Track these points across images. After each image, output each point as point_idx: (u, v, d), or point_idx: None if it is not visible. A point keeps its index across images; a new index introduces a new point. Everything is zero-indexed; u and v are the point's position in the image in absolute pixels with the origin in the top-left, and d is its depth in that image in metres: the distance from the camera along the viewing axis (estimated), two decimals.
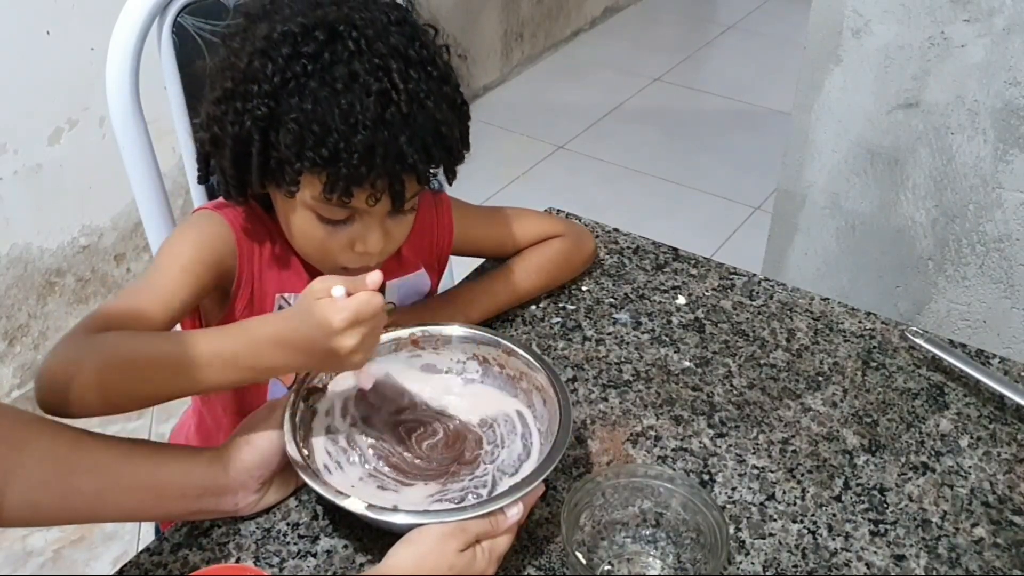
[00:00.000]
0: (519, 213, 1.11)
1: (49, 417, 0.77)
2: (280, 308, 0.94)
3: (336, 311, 0.72)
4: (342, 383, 0.88)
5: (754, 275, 1.16)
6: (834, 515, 0.85)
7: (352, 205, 0.83)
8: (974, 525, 0.84)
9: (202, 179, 0.93)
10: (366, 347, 0.75)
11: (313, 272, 0.94)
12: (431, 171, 0.85)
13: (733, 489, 0.87)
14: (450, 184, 0.92)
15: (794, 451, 0.91)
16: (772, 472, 0.89)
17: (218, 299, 0.93)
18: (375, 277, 0.75)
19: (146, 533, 1.74)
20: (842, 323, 1.08)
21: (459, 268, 1.19)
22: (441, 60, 0.86)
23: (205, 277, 0.87)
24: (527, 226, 1.09)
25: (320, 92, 0.79)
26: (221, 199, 0.94)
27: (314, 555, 0.80)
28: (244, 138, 0.82)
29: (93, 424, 0.77)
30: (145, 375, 0.77)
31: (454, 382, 0.92)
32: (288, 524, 0.83)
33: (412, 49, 0.82)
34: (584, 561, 0.76)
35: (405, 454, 0.85)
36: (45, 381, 0.77)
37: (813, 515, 0.85)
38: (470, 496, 0.81)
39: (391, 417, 0.88)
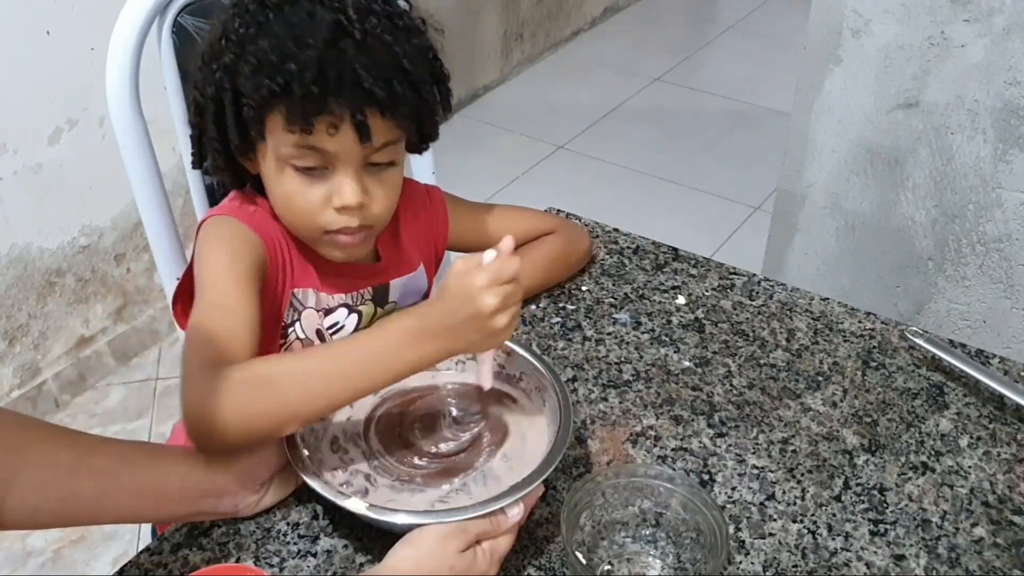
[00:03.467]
0: (514, 209, 1.11)
1: (46, 420, 0.77)
2: (291, 304, 0.94)
3: (476, 274, 0.73)
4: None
5: (754, 275, 1.16)
6: (834, 515, 0.85)
7: (318, 145, 0.83)
8: (974, 525, 0.84)
9: (195, 164, 0.93)
10: (509, 312, 0.75)
11: (322, 268, 0.95)
12: (402, 111, 0.84)
13: (733, 489, 0.87)
14: (432, 140, 0.92)
15: (794, 451, 0.91)
16: (772, 472, 0.89)
17: None
18: (508, 243, 0.76)
19: (146, 533, 1.74)
20: (842, 323, 1.08)
21: None
22: (409, 18, 0.87)
23: (257, 282, 0.87)
24: (522, 222, 1.10)
25: (279, 29, 0.82)
26: (229, 203, 0.94)
27: (314, 555, 0.80)
28: (217, 95, 0.84)
29: (93, 424, 0.77)
30: (289, 396, 0.76)
31: (454, 381, 0.92)
32: (288, 524, 0.83)
33: (375, 4, 0.84)
34: (584, 561, 0.76)
35: (407, 456, 0.85)
36: (197, 432, 0.76)
37: (813, 515, 0.85)
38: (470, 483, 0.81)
39: (394, 418, 0.88)
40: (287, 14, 0.82)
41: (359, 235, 0.90)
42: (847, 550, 0.82)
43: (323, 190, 0.86)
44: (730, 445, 0.92)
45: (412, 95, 0.84)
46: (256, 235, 0.90)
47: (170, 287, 1.15)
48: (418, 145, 0.93)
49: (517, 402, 0.90)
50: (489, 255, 0.75)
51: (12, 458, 0.71)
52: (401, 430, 0.87)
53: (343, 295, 0.96)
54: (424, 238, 1.03)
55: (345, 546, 0.81)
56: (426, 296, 1.06)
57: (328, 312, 0.96)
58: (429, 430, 0.87)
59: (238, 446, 0.78)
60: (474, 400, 0.89)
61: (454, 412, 0.88)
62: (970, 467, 0.90)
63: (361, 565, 0.79)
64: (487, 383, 0.82)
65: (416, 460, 0.84)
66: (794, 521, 0.84)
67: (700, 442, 0.92)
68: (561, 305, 1.10)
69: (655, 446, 0.92)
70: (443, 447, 0.85)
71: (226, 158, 0.89)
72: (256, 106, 0.82)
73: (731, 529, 0.83)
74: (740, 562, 0.80)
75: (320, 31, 0.80)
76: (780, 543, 0.82)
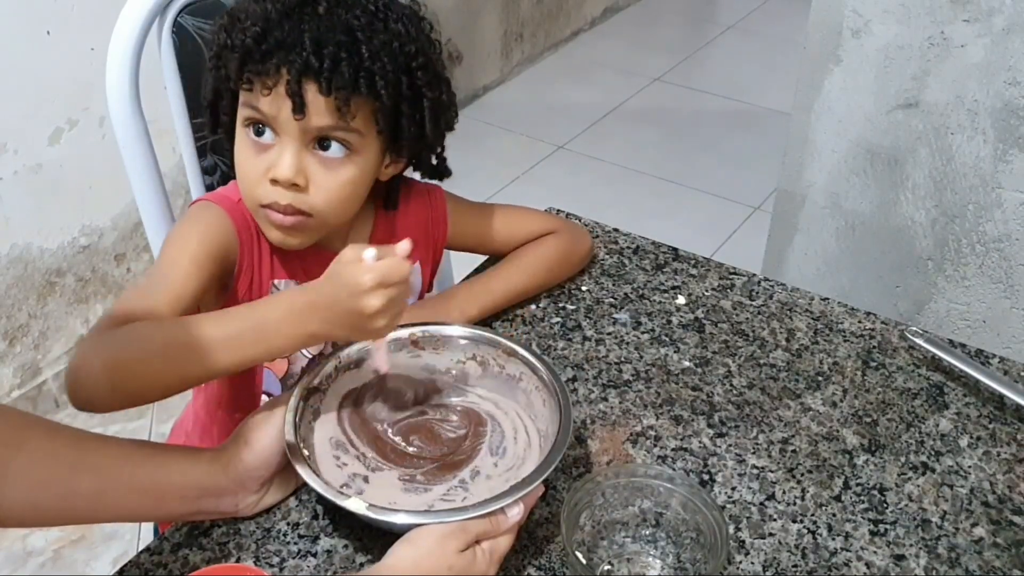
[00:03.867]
0: (515, 209, 1.11)
1: (48, 418, 0.77)
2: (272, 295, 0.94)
3: (364, 271, 0.74)
4: (344, 385, 0.88)
5: (754, 275, 1.16)
6: (834, 515, 0.85)
7: (254, 102, 0.85)
8: (974, 525, 0.84)
9: (212, 130, 0.96)
10: (391, 313, 0.76)
11: (306, 260, 0.96)
12: (345, 94, 0.83)
13: (733, 489, 0.87)
14: (419, 155, 0.93)
15: (794, 451, 0.91)
16: (772, 472, 0.89)
17: (217, 290, 0.93)
18: (404, 246, 0.76)
19: (146, 533, 1.74)
20: (842, 323, 1.08)
21: (458, 268, 1.19)
22: (404, 23, 0.87)
23: (211, 268, 0.88)
24: (523, 222, 1.10)
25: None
26: (219, 190, 0.96)
27: (314, 555, 0.80)
28: (212, 70, 0.89)
29: (94, 424, 0.77)
30: (156, 364, 0.78)
31: (454, 382, 0.92)
32: (288, 524, 0.83)
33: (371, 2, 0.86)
34: (584, 561, 0.77)
35: (403, 460, 0.85)
36: (68, 379, 0.78)
37: (813, 515, 0.85)
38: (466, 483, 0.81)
39: (393, 419, 0.88)
40: None
41: (290, 217, 0.88)
42: (847, 550, 0.82)
43: (266, 161, 0.87)
44: (730, 445, 0.92)
45: (365, 85, 0.83)
46: (232, 225, 0.91)
47: None
48: (415, 163, 0.96)
49: (510, 400, 0.90)
50: (370, 253, 0.74)
51: (8, 452, 0.70)
52: (387, 436, 0.86)
53: None
54: (423, 236, 1.03)
55: (345, 546, 0.81)
56: (421, 295, 1.06)
57: None
58: (420, 433, 0.87)
59: (111, 404, 0.79)
60: (451, 392, 0.90)
61: (438, 412, 0.89)
62: (970, 467, 0.90)
63: (361, 565, 0.79)
64: (383, 367, 0.85)
65: (414, 461, 0.84)
66: (794, 521, 0.84)
67: (700, 442, 0.92)
68: (561, 305, 1.10)
69: (655, 446, 0.92)
70: (435, 448, 0.85)
71: (231, 137, 0.92)
72: (216, 57, 0.86)
73: (731, 529, 0.83)
74: (740, 562, 0.80)
75: (289, 1, 0.83)
76: (780, 543, 0.82)
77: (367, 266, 0.73)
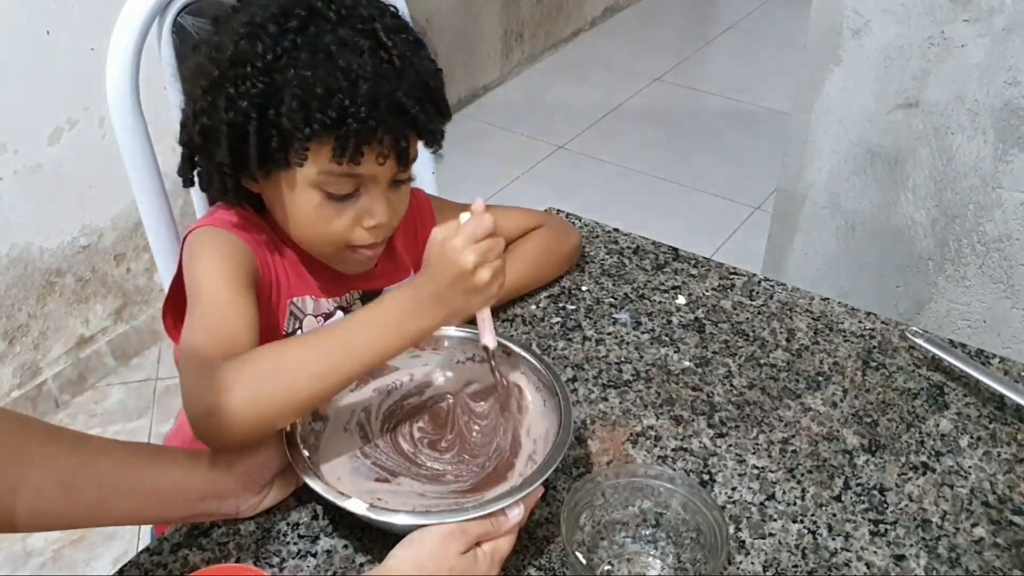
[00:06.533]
0: (499, 207, 1.12)
1: (46, 421, 0.77)
2: (291, 313, 0.94)
3: (453, 237, 0.76)
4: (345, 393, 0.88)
5: (754, 275, 1.16)
6: (834, 515, 0.85)
7: (360, 171, 0.84)
8: (974, 525, 0.84)
9: (187, 183, 0.93)
10: (490, 265, 0.77)
11: (318, 275, 0.95)
12: (431, 128, 0.87)
13: (733, 489, 0.87)
14: (440, 147, 0.92)
15: (794, 451, 0.91)
16: (772, 472, 0.89)
17: None
18: (479, 203, 0.79)
19: (146, 533, 1.74)
20: (842, 323, 1.08)
21: None
22: (410, 28, 0.88)
23: (252, 288, 0.87)
24: (508, 219, 1.10)
25: (315, 59, 0.81)
26: (213, 215, 0.92)
27: (314, 555, 0.80)
28: (239, 121, 0.83)
29: (93, 425, 0.77)
30: (300, 384, 0.76)
31: (454, 382, 0.92)
32: (288, 524, 0.83)
33: (387, 17, 0.86)
34: (584, 561, 0.76)
35: (407, 457, 0.85)
36: (203, 428, 0.76)
37: (813, 515, 0.85)
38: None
39: (393, 419, 0.88)
40: (316, 41, 0.81)
41: (380, 247, 0.92)
42: (847, 550, 0.82)
43: (352, 211, 0.87)
44: (730, 445, 0.92)
45: (435, 111, 0.86)
46: (247, 246, 0.89)
47: None
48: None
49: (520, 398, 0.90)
50: (464, 217, 0.77)
51: (16, 460, 0.70)
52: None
53: (338, 298, 0.97)
54: (413, 241, 1.03)
55: (345, 546, 0.81)
56: None
57: (327, 316, 0.96)
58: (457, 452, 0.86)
59: (252, 439, 0.78)
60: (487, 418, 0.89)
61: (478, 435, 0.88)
62: (970, 467, 0.90)
63: (361, 565, 0.79)
64: (491, 342, 0.83)
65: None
66: (794, 521, 0.84)
67: (700, 442, 0.92)
68: (561, 305, 1.10)
69: (655, 446, 0.92)
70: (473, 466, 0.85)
71: (233, 176, 0.87)
72: (304, 138, 0.81)
73: (731, 529, 0.83)
74: (740, 562, 0.80)
75: (365, 63, 0.81)
76: (780, 543, 0.82)
77: (454, 231, 0.77)
